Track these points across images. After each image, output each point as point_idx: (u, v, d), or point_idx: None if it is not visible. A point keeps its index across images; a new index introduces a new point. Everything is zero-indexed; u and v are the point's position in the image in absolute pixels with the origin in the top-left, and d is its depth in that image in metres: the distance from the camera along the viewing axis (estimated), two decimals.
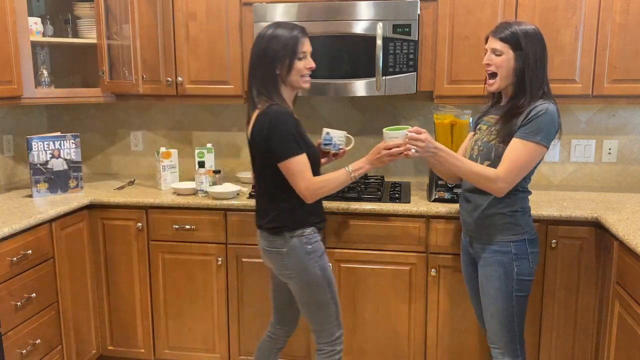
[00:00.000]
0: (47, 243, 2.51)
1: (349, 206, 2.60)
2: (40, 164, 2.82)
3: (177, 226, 2.77)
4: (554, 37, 2.59)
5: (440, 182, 2.66)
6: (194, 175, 2.88)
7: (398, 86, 2.68)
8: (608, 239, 2.34)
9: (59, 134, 2.90)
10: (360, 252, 2.63)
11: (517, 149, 1.95)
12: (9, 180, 3.20)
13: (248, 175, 3.17)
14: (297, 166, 2.02)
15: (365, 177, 3.10)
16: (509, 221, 2.05)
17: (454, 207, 2.55)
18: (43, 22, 2.93)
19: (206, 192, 2.82)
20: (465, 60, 2.69)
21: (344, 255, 2.65)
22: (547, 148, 1.97)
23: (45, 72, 3.05)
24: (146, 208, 2.79)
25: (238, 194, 2.83)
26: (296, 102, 2.20)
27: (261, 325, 2.80)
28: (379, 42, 2.59)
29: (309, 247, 2.11)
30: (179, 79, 2.92)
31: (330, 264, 2.22)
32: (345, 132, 2.27)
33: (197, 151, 3.01)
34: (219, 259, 2.76)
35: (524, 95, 1.99)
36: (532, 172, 2.05)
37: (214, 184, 2.93)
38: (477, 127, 2.21)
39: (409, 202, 2.66)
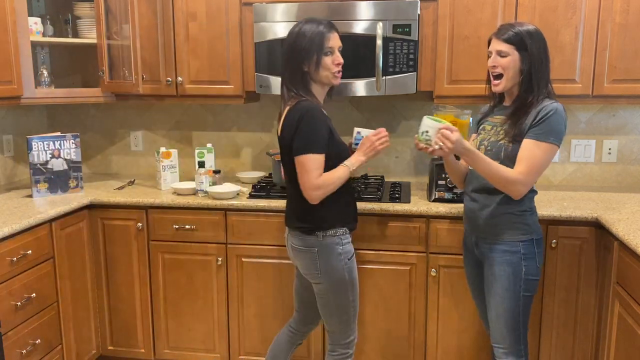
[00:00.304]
0: (47, 243, 2.51)
1: None
2: (40, 164, 2.82)
3: (177, 226, 2.77)
4: (554, 37, 2.59)
5: (440, 182, 2.66)
6: (194, 175, 2.88)
7: (398, 86, 2.68)
8: (608, 239, 2.34)
9: (59, 134, 2.90)
10: (360, 252, 2.62)
11: (531, 150, 1.96)
12: (9, 180, 3.20)
13: (248, 175, 3.18)
14: (312, 164, 1.99)
15: (365, 177, 3.10)
16: (518, 221, 2.06)
17: (454, 207, 2.55)
18: (43, 22, 2.93)
19: (206, 192, 2.82)
20: (465, 60, 2.69)
21: None
22: (559, 147, 2.00)
23: (45, 72, 3.05)
24: (146, 208, 2.79)
25: (238, 194, 2.83)
26: (327, 100, 2.19)
27: (261, 325, 2.80)
28: (379, 42, 2.59)
29: (340, 248, 2.11)
30: (179, 79, 2.92)
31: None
32: (380, 129, 2.21)
33: (197, 151, 3.01)
34: (219, 259, 2.76)
35: (531, 95, 2.00)
36: None
37: (214, 184, 2.93)
38: (481, 127, 2.21)
39: (409, 202, 2.66)
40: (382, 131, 2.14)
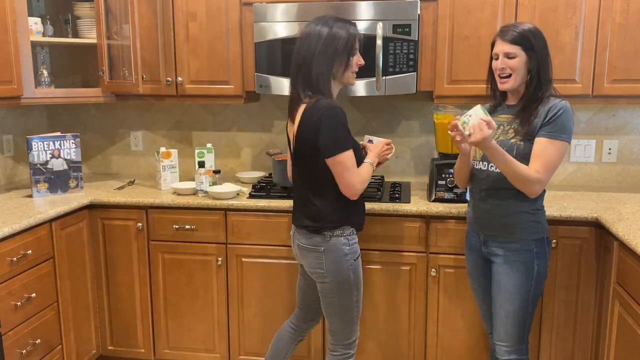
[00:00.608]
0: (47, 243, 2.51)
1: None
2: (40, 164, 2.82)
3: (177, 226, 2.77)
4: (554, 37, 2.59)
5: (440, 182, 2.66)
6: (194, 175, 2.88)
7: (398, 86, 2.68)
8: (608, 239, 2.34)
9: (59, 134, 2.90)
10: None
11: (546, 148, 1.98)
12: (9, 180, 3.20)
13: (248, 175, 3.18)
14: (349, 161, 2.01)
15: None
16: (532, 219, 2.08)
17: (454, 207, 2.55)
18: (43, 22, 2.93)
19: (206, 192, 2.82)
20: (465, 60, 2.69)
21: None
22: (569, 145, 2.04)
23: (45, 72, 3.05)
24: (146, 208, 2.79)
25: (238, 194, 2.83)
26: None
27: (261, 325, 2.80)
28: (379, 42, 2.59)
29: (347, 248, 2.11)
30: (179, 79, 2.92)
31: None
32: (387, 139, 2.26)
33: (197, 151, 3.01)
34: (219, 259, 2.76)
35: (540, 91, 2.03)
36: None
37: (214, 184, 2.93)
38: None
39: (409, 202, 2.66)
40: (390, 142, 2.23)
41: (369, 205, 2.59)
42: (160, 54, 2.92)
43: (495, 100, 2.21)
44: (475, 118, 1.92)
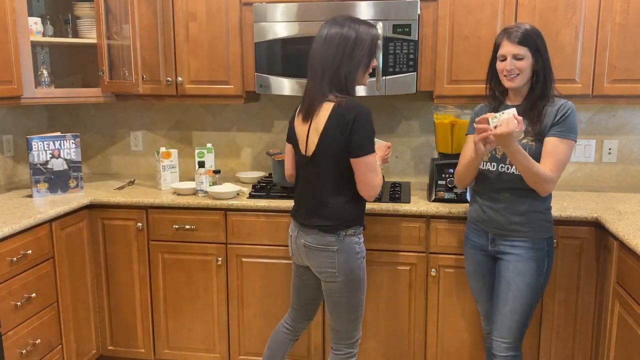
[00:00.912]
0: (47, 243, 2.51)
1: None
2: (40, 164, 2.82)
3: (177, 226, 2.77)
4: (554, 37, 2.59)
5: (440, 182, 2.66)
6: (194, 175, 2.88)
7: (398, 86, 2.68)
8: (608, 239, 2.34)
9: (59, 134, 2.90)
10: None
11: (558, 147, 2.02)
12: (9, 180, 3.20)
13: (248, 175, 3.18)
14: (375, 162, 2.05)
15: None
16: (544, 218, 2.12)
17: (454, 207, 2.55)
18: (43, 22, 2.93)
19: (206, 192, 2.82)
20: (465, 60, 2.69)
21: None
22: (576, 143, 2.09)
23: (45, 72, 3.05)
24: (146, 208, 2.79)
25: (238, 194, 2.83)
26: None
27: (261, 325, 2.80)
28: (379, 42, 2.59)
29: (358, 247, 2.13)
30: (179, 79, 2.92)
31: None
32: (387, 142, 2.27)
33: (197, 151, 3.01)
34: (219, 259, 2.76)
35: (547, 91, 2.07)
36: None
37: (214, 184, 2.94)
38: None
39: (409, 202, 2.66)
40: (390, 145, 2.27)
41: (369, 205, 2.59)
42: (160, 54, 2.92)
43: (495, 100, 2.21)
44: (507, 115, 1.94)
